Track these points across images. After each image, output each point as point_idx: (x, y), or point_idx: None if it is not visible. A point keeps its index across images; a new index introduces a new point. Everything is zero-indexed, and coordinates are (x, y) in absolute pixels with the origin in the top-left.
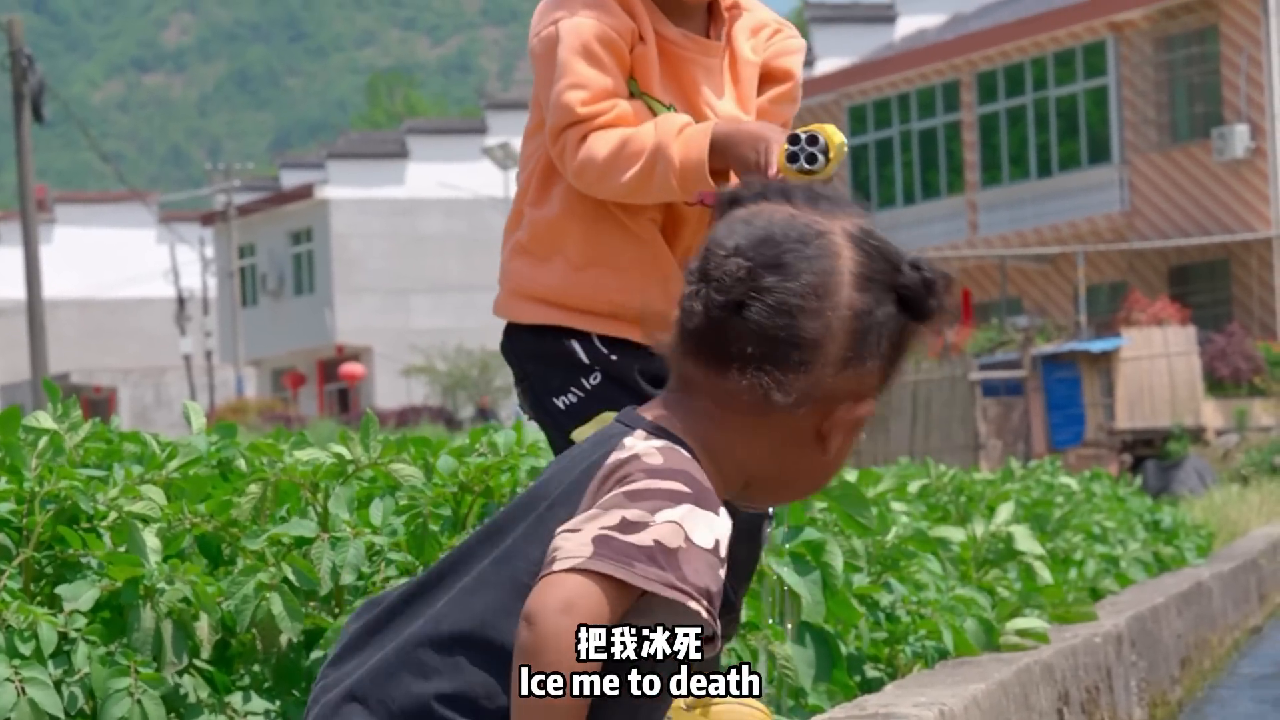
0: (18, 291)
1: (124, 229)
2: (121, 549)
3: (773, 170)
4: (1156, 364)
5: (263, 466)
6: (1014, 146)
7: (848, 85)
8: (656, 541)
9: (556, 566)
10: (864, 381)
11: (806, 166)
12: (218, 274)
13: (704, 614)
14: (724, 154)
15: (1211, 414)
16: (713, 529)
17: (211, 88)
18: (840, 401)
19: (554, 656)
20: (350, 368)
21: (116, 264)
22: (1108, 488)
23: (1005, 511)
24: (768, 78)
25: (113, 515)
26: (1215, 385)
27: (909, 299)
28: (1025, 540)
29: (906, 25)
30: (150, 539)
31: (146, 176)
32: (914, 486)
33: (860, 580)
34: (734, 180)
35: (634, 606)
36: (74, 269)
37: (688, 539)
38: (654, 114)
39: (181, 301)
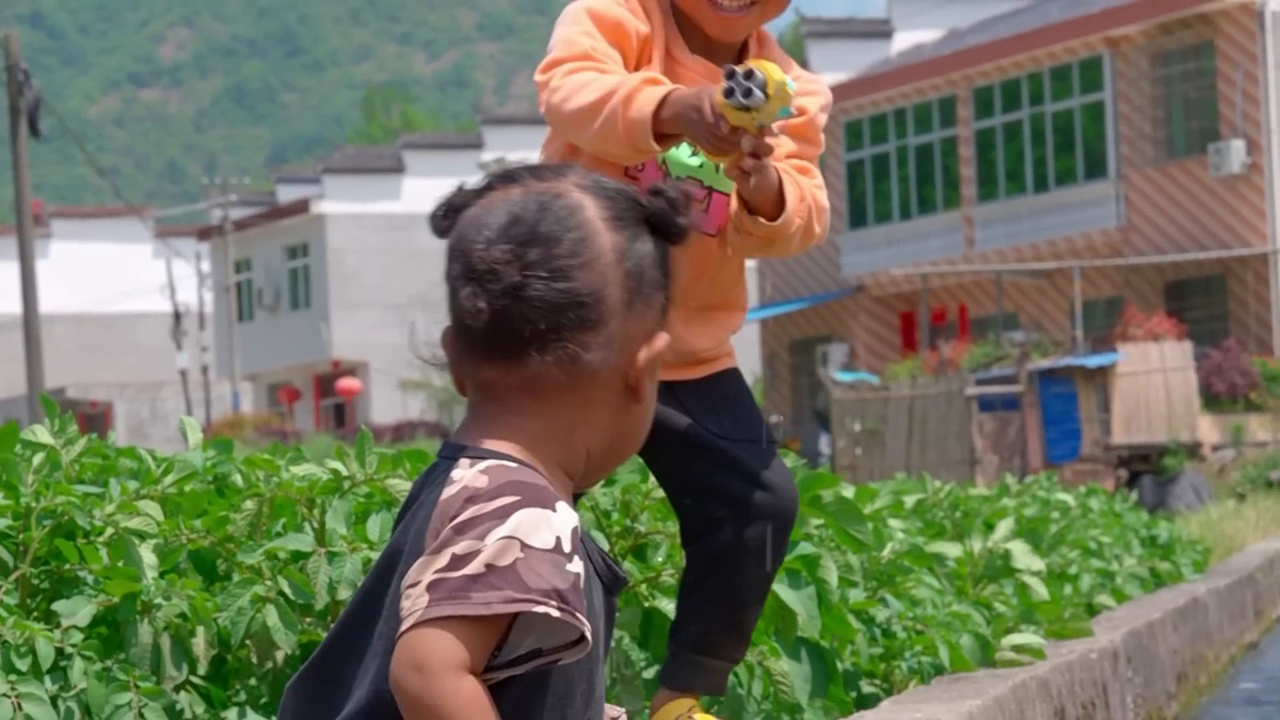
0: (14, 306)
1: (120, 244)
2: (118, 564)
3: (709, 115)
4: (1153, 379)
5: (259, 482)
6: (1010, 162)
7: (844, 101)
8: (488, 565)
9: (404, 627)
10: (650, 318)
11: (743, 101)
12: (214, 289)
13: (555, 613)
14: (674, 117)
15: (1208, 429)
16: (552, 527)
17: (208, 103)
18: (638, 344)
19: (429, 716)
20: (346, 383)
21: (113, 279)
22: (1104, 503)
23: (1004, 528)
24: None
25: (109, 531)
26: (1211, 400)
27: (659, 223)
28: (1023, 556)
29: (903, 40)
30: (147, 554)
31: (143, 191)
32: (910, 501)
33: (856, 596)
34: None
35: (514, 625)
36: (70, 283)
37: (524, 546)
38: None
39: (178, 316)
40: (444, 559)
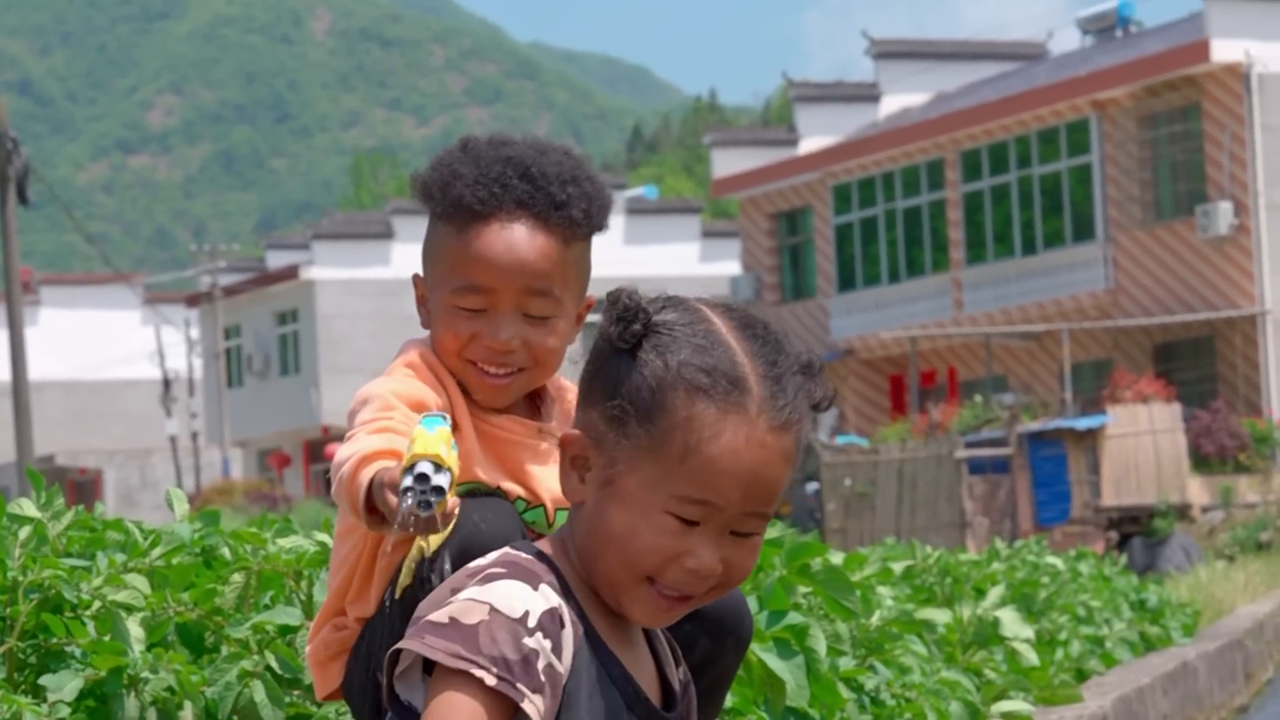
0: (3, 373)
1: (109, 311)
2: (105, 638)
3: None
4: (1142, 441)
5: (246, 555)
6: (998, 224)
7: (832, 164)
8: (453, 619)
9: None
10: (580, 418)
11: (414, 515)
12: (203, 355)
13: (491, 680)
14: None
15: (1197, 491)
16: (525, 601)
17: (196, 169)
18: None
19: None
20: (336, 448)
21: (102, 346)
22: (1093, 567)
23: (994, 594)
24: None
25: (96, 604)
26: (1201, 462)
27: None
28: (1013, 624)
29: (890, 104)
30: (134, 628)
31: (132, 258)
32: (899, 568)
33: (845, 664)
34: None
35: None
36: (59, 351)
37: (492, 610)
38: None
39: (167, 383)
40: (428, 606)
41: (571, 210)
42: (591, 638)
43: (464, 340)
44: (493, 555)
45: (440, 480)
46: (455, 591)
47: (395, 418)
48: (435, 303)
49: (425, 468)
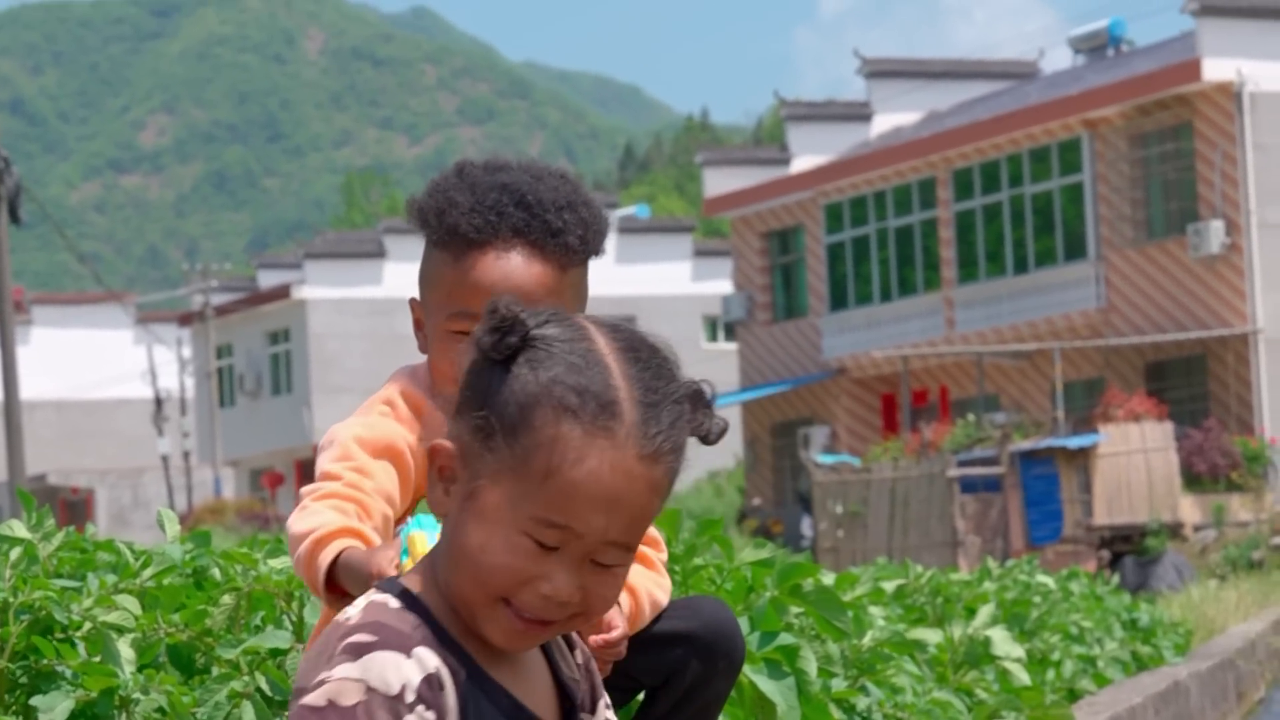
0: None
1: (101, 330)
2: (96, 659)
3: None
4: (1134, 460)
5: (237, 576)
6: (990, 243)
7: (824, 183)
8: (330, 701)
9: None
10: (452, 427)
11: None
12: (195, 374)
13: None
14: (346, 580)
15: (1189, 509)
16: (401, 673)
17: (189, 188)
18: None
19: None
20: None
21: (93, 365)
22: (1085, 586)
23: (985, 613)
24: None
25: (87, 625)
26: (1193, 481)
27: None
28: (1004, 644)
29: (882, 123)
30: (125, 649)
31: (124, 277)
32: (891, 587)
33: (837, 685)
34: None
35: None
36: (51, 370)
37: (368, 689)
38: None
39: (159, 402)
40: (306, 676)
41: (568, 237)
42: (474, 676)
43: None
44: (360, 608)
45: None
46: (329, 658)
47: (346, 477)
48: (432, 328)
49: None
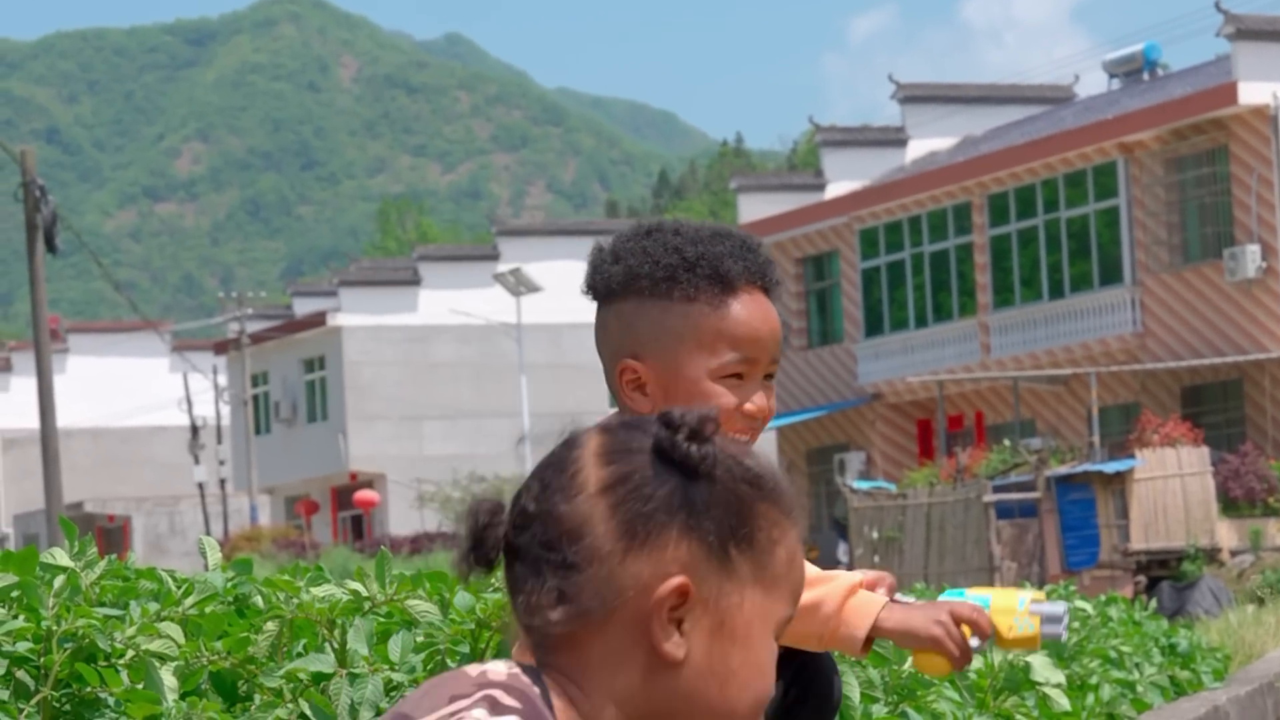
0: (32, 421)
1: (137, 358)
2: (139, 686)
3: (953, 642)
4: (1170, 484)
5: (280, 603)
6: (1026, 268)
7: (859, 208)
8: None
9: None
10: (663, 558)
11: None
12: (231, 402)
13: None
14: (899, 636)
15: (1226, 534)
16: None
17: (224, 216)
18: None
19: None
20: (364, 495)
21: (129, 393)
22: (1123, 611)
23: None
24: None
25: (130, 653)
26: (1229, 505)
27: (663, 453)
28: (1044, 669)
29: (917, 148)
30: (168, 677)
31: (159, 305)
32: None
33: (878, 710)
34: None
35: None
36: (87, 398)
37: None
38: None
39: (195, 430)
40: (414, 708)
41: (777, 274)
42: None
43: (732, 409)
44: (502, 668)
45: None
46: (456, 698)
47: None
48: (688, 380)
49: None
